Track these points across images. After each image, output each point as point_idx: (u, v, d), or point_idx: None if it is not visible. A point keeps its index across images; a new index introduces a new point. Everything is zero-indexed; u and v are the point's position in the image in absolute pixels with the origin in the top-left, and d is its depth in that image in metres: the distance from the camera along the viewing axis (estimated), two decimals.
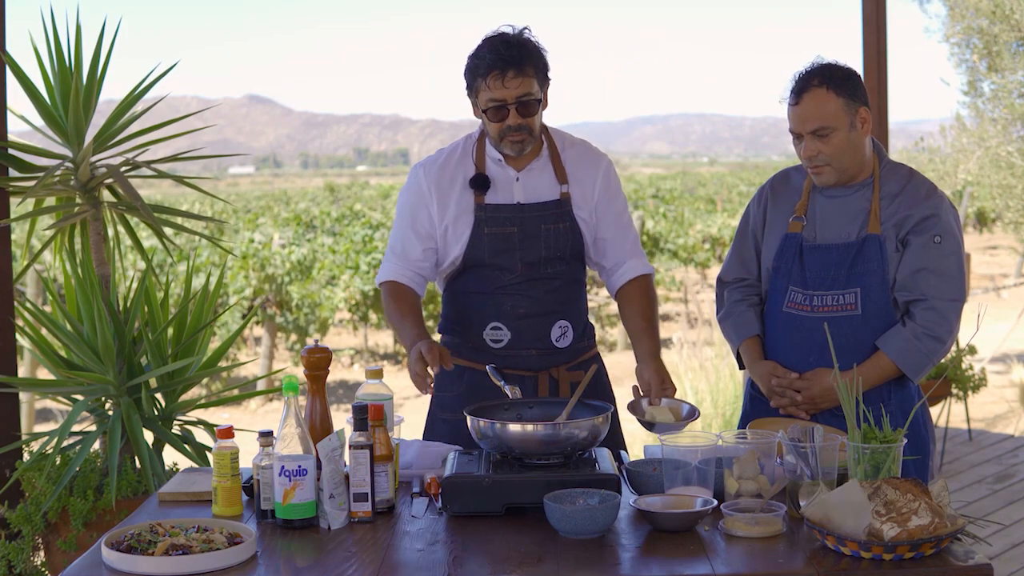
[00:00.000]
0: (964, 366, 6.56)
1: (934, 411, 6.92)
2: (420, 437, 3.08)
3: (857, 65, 5.79)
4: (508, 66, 2.86)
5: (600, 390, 3.07)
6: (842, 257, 2.84)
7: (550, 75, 2.97)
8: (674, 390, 2.84)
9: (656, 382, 2.83)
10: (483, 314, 3.02)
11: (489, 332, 3.02)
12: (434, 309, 11.64)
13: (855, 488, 2.12)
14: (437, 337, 3.14)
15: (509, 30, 2.94)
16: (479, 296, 3.03)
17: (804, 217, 2.91)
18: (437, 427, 3.11)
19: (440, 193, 3.04)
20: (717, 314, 3.11)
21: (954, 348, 6.69)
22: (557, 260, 3.02)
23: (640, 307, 3.04)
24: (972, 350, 7.23)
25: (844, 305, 2.82)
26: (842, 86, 2.78)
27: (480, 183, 3.01)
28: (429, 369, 2.74)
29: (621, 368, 10.37)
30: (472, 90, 2.94)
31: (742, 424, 3.01)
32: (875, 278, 2.82)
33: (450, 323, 3.13)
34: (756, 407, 2.98)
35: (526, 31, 2.94)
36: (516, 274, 2.99)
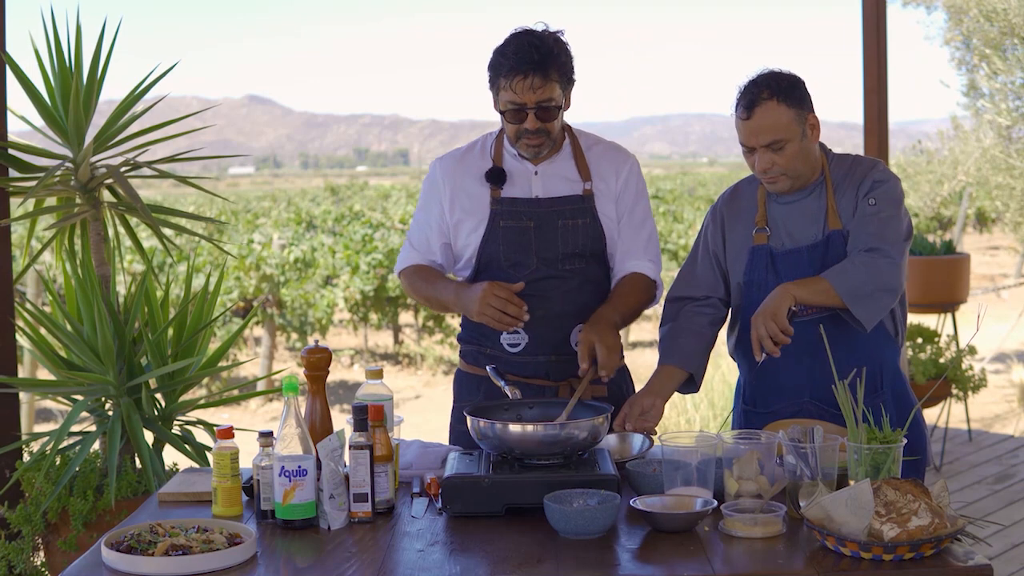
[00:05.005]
0: (964, 366, 6.56)
1: (934, 411, 6.92)
2: (422, 438, 3.08)
3: (857, 65, 5.79)
4: (532, 70, 2.81)
5: (621, 396, 3.04)
6: (812, 257, 2.84)
7: (574, 77, 2.93)
8: (614, 361, 2.78)
9: (602, 353, 2.76)
10: None
11: (507, 336, 2.97)
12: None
13: (865, 488, 2.11)
14: (457, 349, 3.10)
15: (540, 27, 2.88)
16: None
17: (767, 227, 2.91)
18: (458, 440, 3.06)
19: (452, 186, 3.02)
20: (661, 327, 3.05)
21: (954, 348, 6.69)
22: (575, 257, 2.97)
23: (618, 289, 2.98)
24: (972, 350, 7.23)
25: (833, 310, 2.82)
26: (791, 96, 2.78)
27: (496, 176, 2.98)
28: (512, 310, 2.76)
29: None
30: (493, 86, 2.90)
31: None
32: None
33: (468, 330, 3.09)
34: (750, 421, 2.97)
35: (558, 33, 2.89)
36: (532, 270, 2.94)
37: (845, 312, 2.74)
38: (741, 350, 2.99)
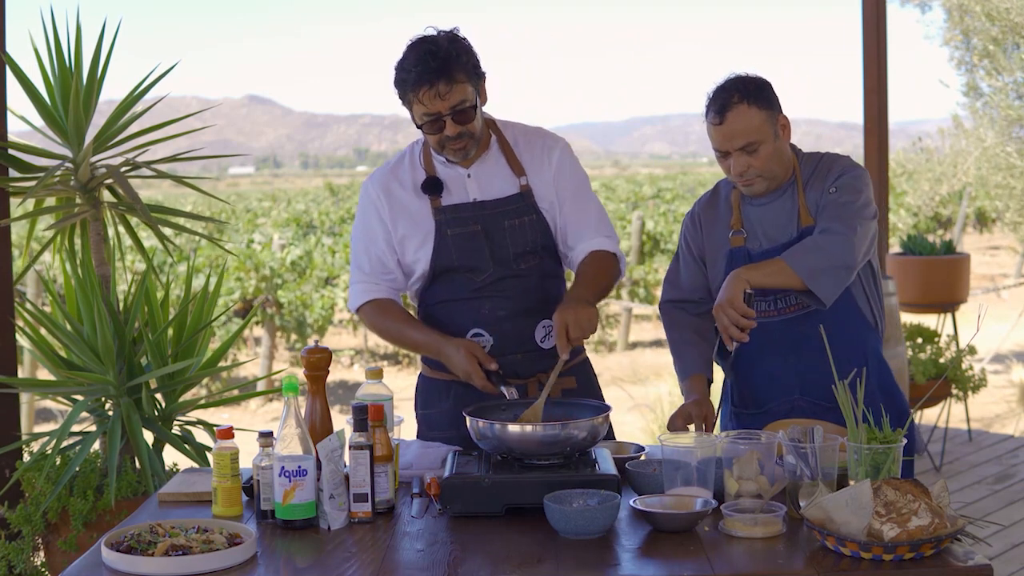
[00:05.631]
0: (964, 366, 6.56)
1: (934, 411, 6.92)
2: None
3: (857, 65, 5.80)
4: (437, 78, 2.75)
5: (588, 391, 3.03)
6: None
7: (483, 71, 2.86)
8: (585, 333, 2.74)
9: (568, 326, 2.71)
10: (462, 322, 2.93)
11: (471, 338, 2.92)
12: None
13: (865, 488, 2.11)
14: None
15: (433, 31, 2.82)
16: (455, 304, 2.95)
17: (743, 230, 2.93)
18: None
19: (391, 201, 2.97)
20: (669, 331, 3.06)
21: (954, 348, 6.69)
22: (528, 255, 2.94)
23: (582, 269, 2.94)
24: (972, 350, 7.23)
25: (805, 300, 2.83)
26: (760, 98, 2.80)
27: (432, 187, 2.93)
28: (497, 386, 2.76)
29: (621, 369, 10.38)
30: (405, 102, 2.84)
31: None
32: None
33: None
34: (743, 423, 2.98)
35: (453, 31, 2.83)
36: (489, 273, 2.92)
37: (805, 293, 2.75)
38: (721, 352, 3.00)
